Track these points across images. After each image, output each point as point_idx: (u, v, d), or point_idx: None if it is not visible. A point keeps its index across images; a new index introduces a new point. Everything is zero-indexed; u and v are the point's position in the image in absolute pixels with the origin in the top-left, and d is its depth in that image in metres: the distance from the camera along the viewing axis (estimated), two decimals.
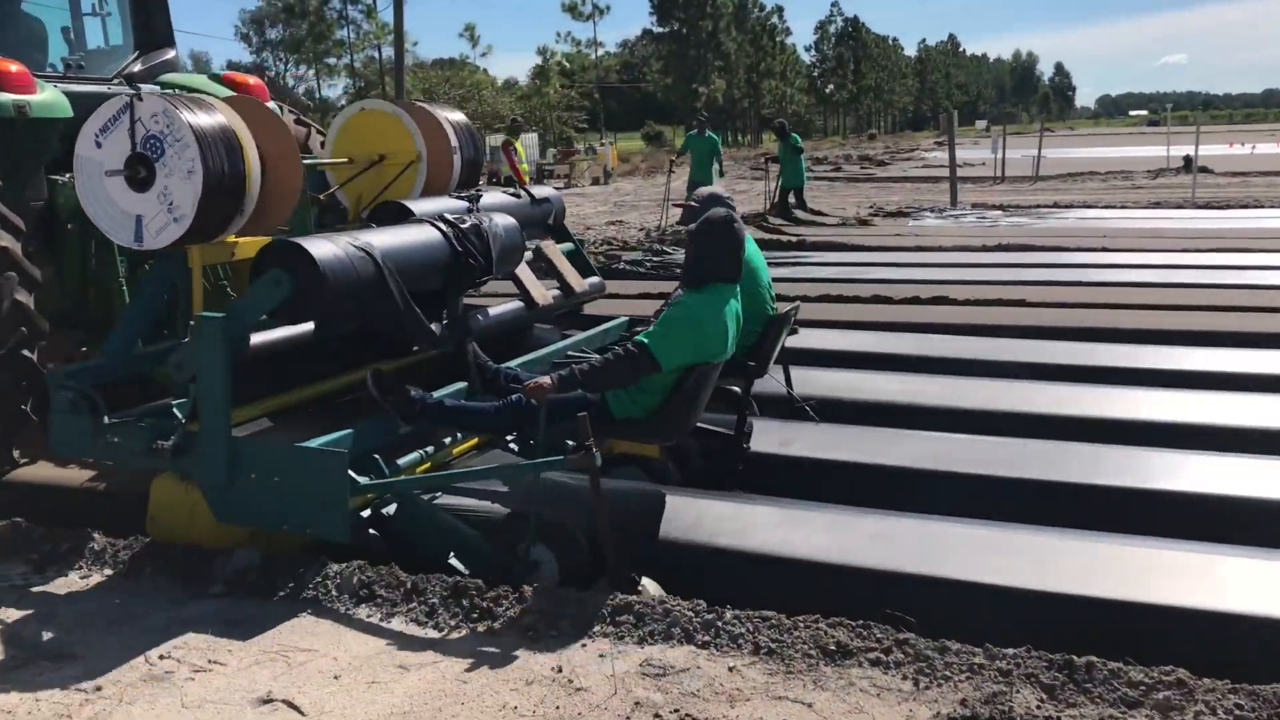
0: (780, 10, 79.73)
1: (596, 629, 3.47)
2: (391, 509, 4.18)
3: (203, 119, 4.18)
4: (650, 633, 3.43)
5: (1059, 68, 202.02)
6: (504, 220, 5.16)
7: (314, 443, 3.88)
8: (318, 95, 54.54)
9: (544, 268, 5.90)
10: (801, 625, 3.40)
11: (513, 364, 4.94)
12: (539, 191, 6.18)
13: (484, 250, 4.87)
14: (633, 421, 4.33)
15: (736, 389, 5.01)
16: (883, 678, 3.15)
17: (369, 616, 3.65)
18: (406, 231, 4.80)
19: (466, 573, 3.92)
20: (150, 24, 6.59)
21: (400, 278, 4.44)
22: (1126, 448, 4.98)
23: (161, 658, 3.37)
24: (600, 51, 62.78)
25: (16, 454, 5.01)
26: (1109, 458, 4.86)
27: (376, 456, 4.14)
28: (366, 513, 4.16)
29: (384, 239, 4.55)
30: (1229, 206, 17.02)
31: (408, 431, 4.39)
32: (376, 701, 3.10)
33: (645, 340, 4.18)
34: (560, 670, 3.23)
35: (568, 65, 60.84)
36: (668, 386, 4.28)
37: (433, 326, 4.64)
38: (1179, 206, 17.29)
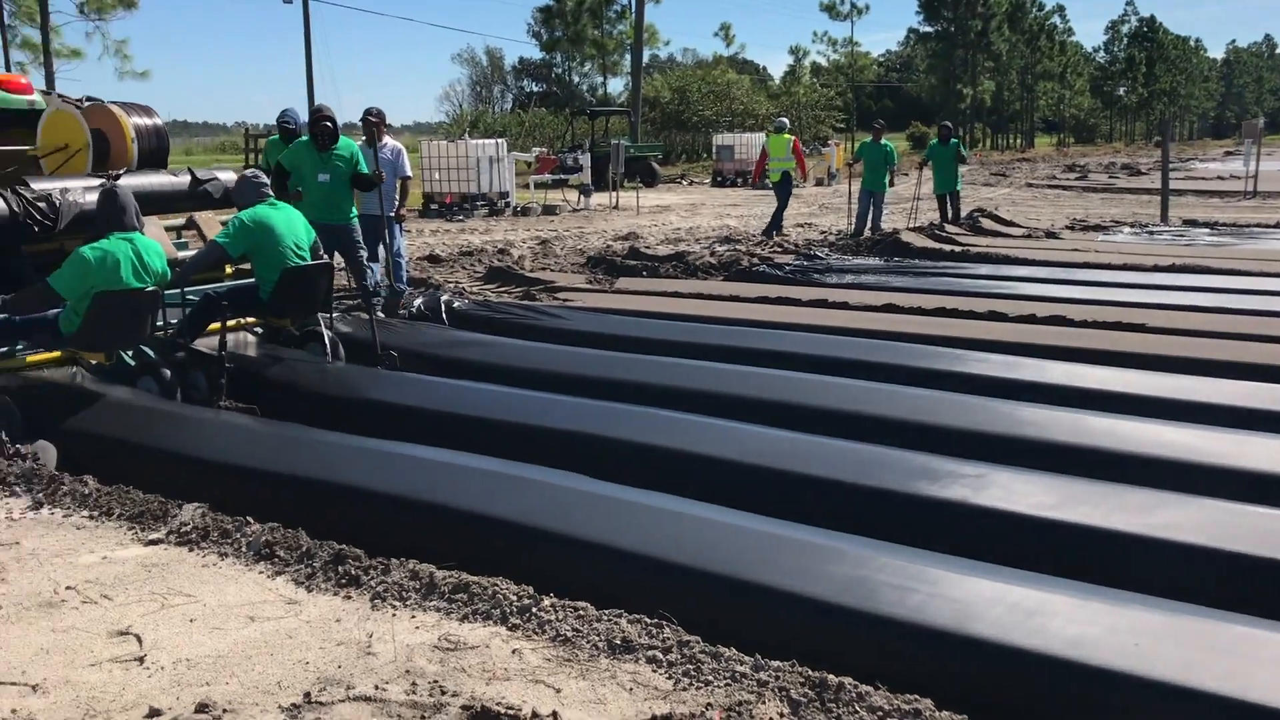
0: (1061, 9, 76.00)
1: (432, 604, 3.76)
2: None
3: None
4: (474, 611, 3.68)
5: None
6: (88, 197, 6.63)
7: None
8: (599, 90, 55.79)
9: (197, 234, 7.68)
10: (606, 618, 3.57)
11: None
12: (203, 174, 7.76)
13: (52, 214, 6.57)
14: (72, 335, 5.95)
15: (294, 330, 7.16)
16: (648, 675, 3.28)
17: (261, 573, 4.07)
18: None
19: None
20: None
21: None
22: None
23: (68, 588, 3.91)
24: (858, 50, 61.56)
25: None
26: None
27: None
28: None
29: None
30: None
31: None
32: (206, 644, 3.51)
33: (48, 278, 5.77)
34: (370, 636, 3.54)
35: (841, 61, 60.19)
36: (82, 311, 5.79)
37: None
38: None
